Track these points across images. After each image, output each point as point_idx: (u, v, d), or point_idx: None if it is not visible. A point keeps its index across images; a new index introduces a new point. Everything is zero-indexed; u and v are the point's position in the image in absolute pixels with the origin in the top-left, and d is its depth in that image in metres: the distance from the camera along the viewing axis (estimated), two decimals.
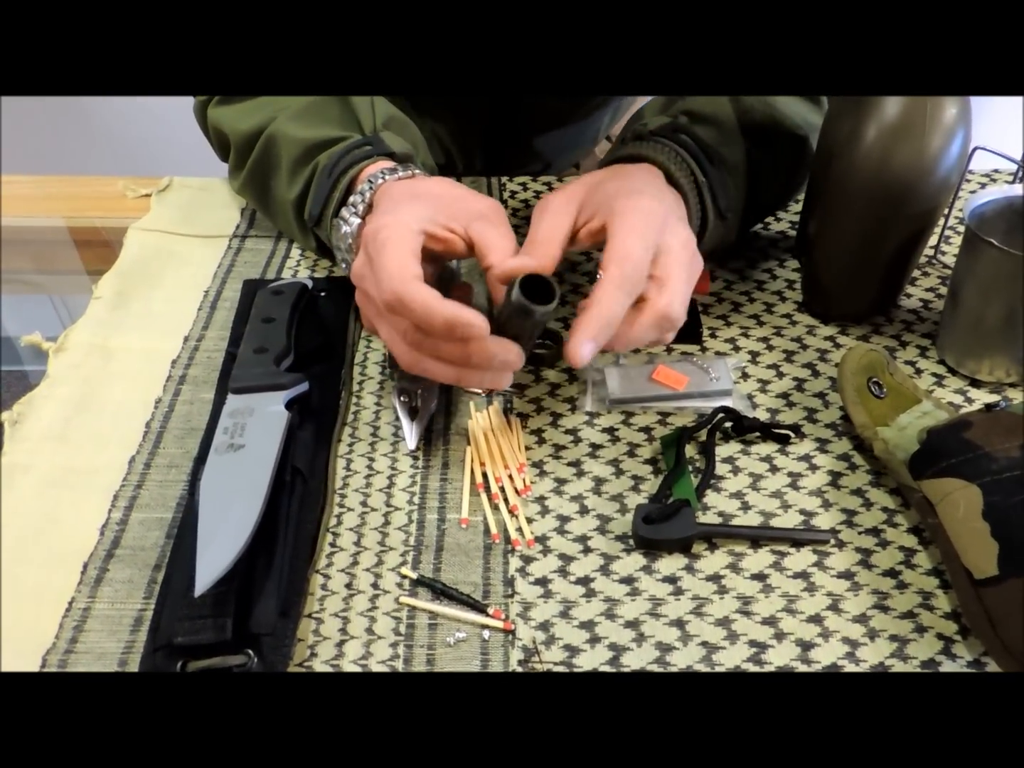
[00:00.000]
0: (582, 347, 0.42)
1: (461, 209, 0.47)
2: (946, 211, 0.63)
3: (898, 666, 0.40)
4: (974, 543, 0.39)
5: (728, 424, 0.50)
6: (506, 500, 0.47)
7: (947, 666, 0.40)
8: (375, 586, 0.43)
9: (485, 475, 0.48)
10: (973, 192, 0.56)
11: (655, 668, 0.40)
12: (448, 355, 0.43)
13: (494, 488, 0.47)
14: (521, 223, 0.67)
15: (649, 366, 0.53)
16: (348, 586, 0.43)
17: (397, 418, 0.51)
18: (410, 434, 0.50)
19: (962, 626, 0.41)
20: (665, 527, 0.44)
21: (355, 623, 0.41)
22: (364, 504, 0.47)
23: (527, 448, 0.50)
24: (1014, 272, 0.48)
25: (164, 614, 0.38)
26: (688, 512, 0.45)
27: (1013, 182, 0.56)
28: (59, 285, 0.84)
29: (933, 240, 0.63)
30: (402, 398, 0.51)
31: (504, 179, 0.72)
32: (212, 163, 0.66)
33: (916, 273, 0.61)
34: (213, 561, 0.36)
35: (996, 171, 0.72)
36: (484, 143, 0.80)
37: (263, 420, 0.45)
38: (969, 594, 0.40)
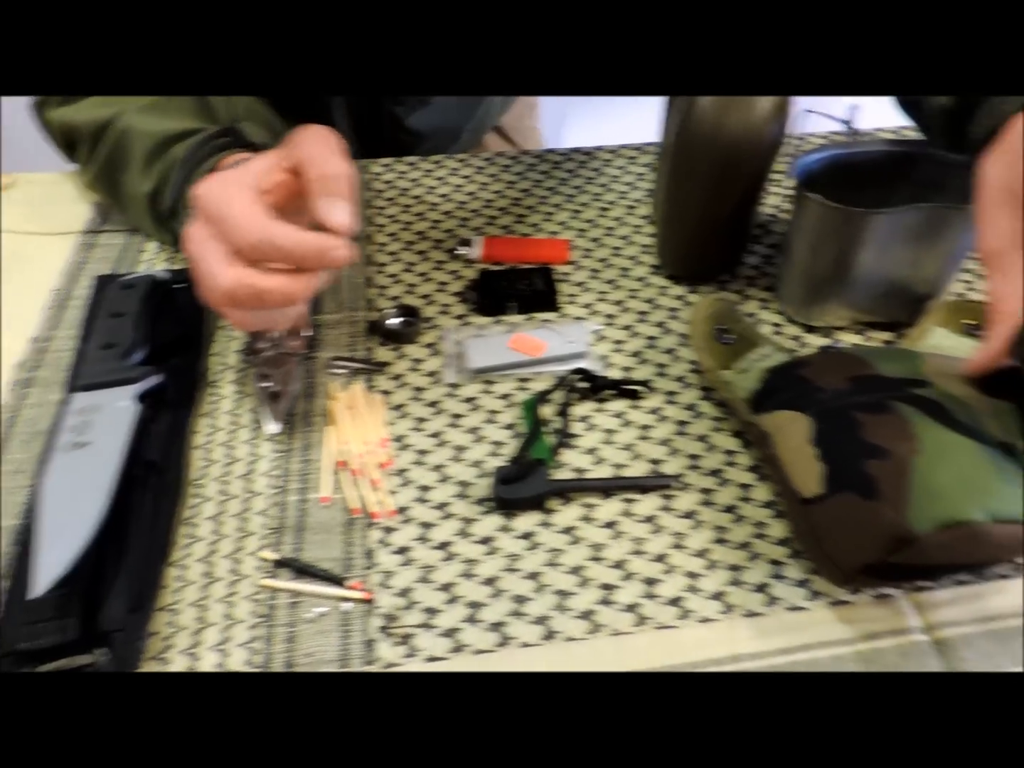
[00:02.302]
0: None
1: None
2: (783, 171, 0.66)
3: (734, 592, 0.43)
4: (804, 467, 0.42)
5: (583, 384, 0.53)
6: (367, 475, 0.48)
7: (777, 588, 0.43)
8: (234, 572, 0.43)
9: (346, 453, 0.49)
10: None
11: (511, 620, 0.42)
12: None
13: (355, 464, 0.48)
14: (385, 204, 0.68)
15: (507, 335, 0.55)
16: (206, 575, 0.43)
17: (259, 404, 0.51)
18: (271, 418, 0.50)
19: (792, 550, 0.45)
20: (520, 487, 0.46)
21: (213, 610, 0.42)
22: (223, 492, 0.47)
23: (390, 424, 0.51)
24: (838, 224, 0.52)
25: (7, 621, 0.38)
26: (542, 471, 0.47)
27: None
28: None
29: (778, 200, 0.67)
30: (262, 384, 0.51)
31: (365, 161, 0.72)
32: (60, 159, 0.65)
33: (760, 231, 0.65)
34: (53, 562, 0.36)
35: (836, 133, 0.76)
36: (354, 124, 0.80)
37: (110, 416, 0.44)
38: (799, 515, 0.43)
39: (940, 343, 0.51)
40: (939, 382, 0.42)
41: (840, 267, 0.53)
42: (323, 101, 0.76)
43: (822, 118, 0.61)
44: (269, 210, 0.42)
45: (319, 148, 0.43)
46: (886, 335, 0.56)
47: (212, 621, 0.41)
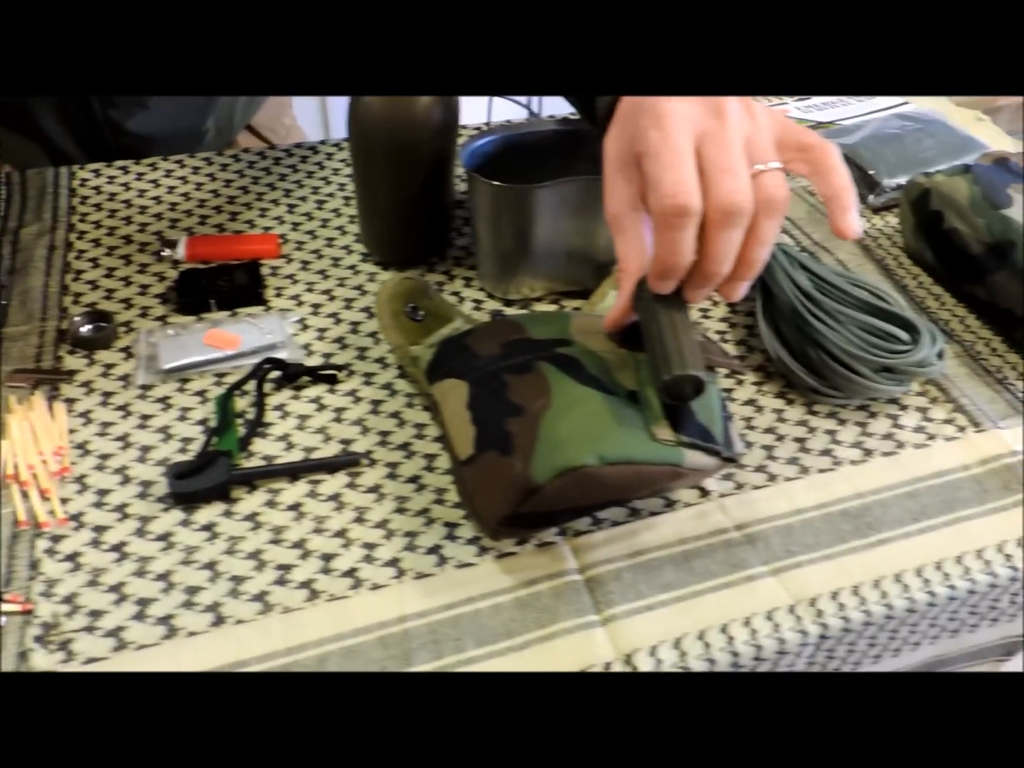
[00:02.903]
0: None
1: None
2: None
3: (407, 557, 0.45)
4: (461, 430, 0.44)
5: (276, 374, 0.53)
6: (37, 486, 0.46)
7: (449, 548, 0.45)
8: None
9: (17, 465, 0.47)
10: None
11: (181, 611, 0.42)
12: None
13: (24, 476, 0.46)
14: (90, 210, 0.65)
15: (201, 332, 0.55)
16: None
17: None
18: None
19: (465, 512, 0.47)
20: (197, 479, 0.46)
21: None
22: None
23: (73, 431, 0.50)
24: (506, 201, 0.55)
25: None
26: (223, 461, 0.47)
27: None
28: None
29: None
30: None
31: (75, 167, 0.69)
32: None
33: (467, 212, 0.67)
34: None
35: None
36: (72, 131, 0.77)
37: None
38: (458, 476, 0.45)
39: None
40: (582, 340, 0.46)
41: (520, 241, 0.56)
42: (28, 108, 0.73)
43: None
44: None
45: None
46: (578, 302, 0.61)
47: None
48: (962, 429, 0.53)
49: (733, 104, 0.40)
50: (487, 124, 0.72)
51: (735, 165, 0.39)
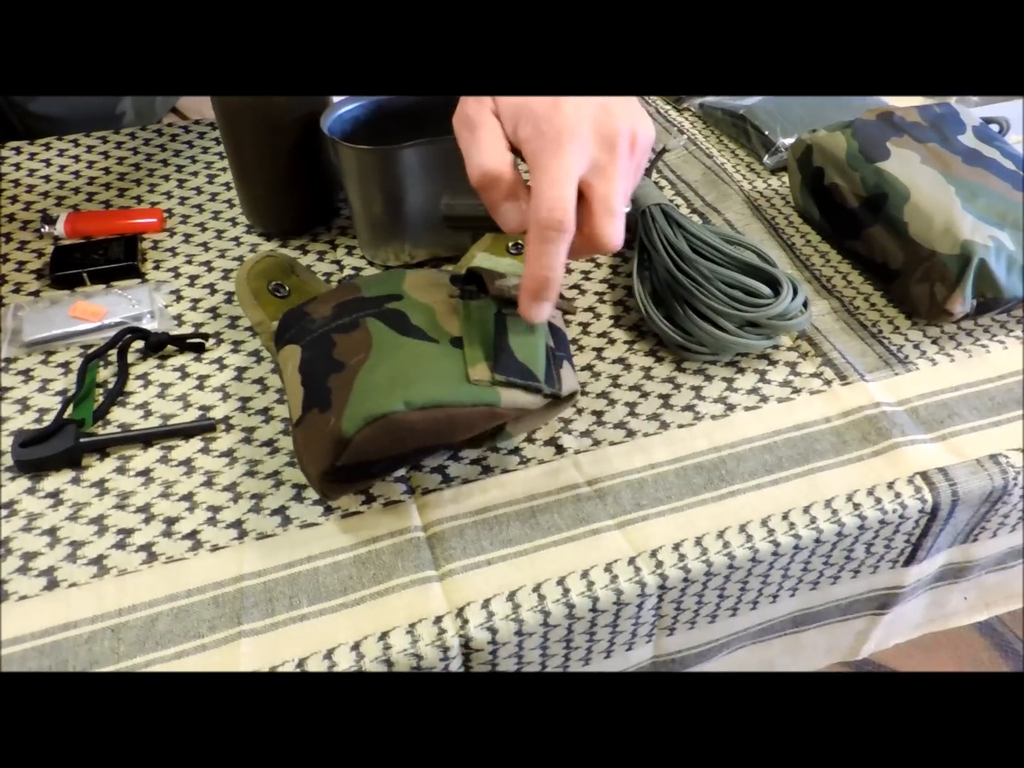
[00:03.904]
0: None
1: None
2: None
3: (251, 519, 0.45)
4: (293, 394, 0.44)
5: (137, 343, 0.53)
6: None
7: (294, 509, 0.45)
8: None
9: None
10: None
11: (17, 577, 0.42)
12: None
13: None
14: (7, 185, 0.65)
15: (67, 304, 0.55)
16: None
17: None
18: None
19: None
20: (42, 447, 0.46)
21: None
22: None
23: None
24: (370, 165, 0.54)
25: None
26: (71, 429, 0.47)
27: None
28: None
29: None
30: None
31: None
32: None
33: None
34: None
35: None
36: None
37: None
38: (293, 439, 0.45)
39: (481, 264, 0.55)
40: (413, 294, 0.45)
41: (389, 206, 0.56)
42: None
43: None
44: None
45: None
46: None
47: None
48: (828, 383, 0.52)
49: (624, 132, 0.41)
50: None
51: (616, 206, 0.40)
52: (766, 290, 0.51)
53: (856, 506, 0.45)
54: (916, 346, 0.55)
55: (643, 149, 0.42)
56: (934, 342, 0.55)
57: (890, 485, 0.47)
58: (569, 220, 0.39)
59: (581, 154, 0.40)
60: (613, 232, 0.40)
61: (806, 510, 0.45)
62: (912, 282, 0.55)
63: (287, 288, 0.53)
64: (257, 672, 0.38)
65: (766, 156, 0.69)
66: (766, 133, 0.68)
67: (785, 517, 0.45)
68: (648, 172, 0.62)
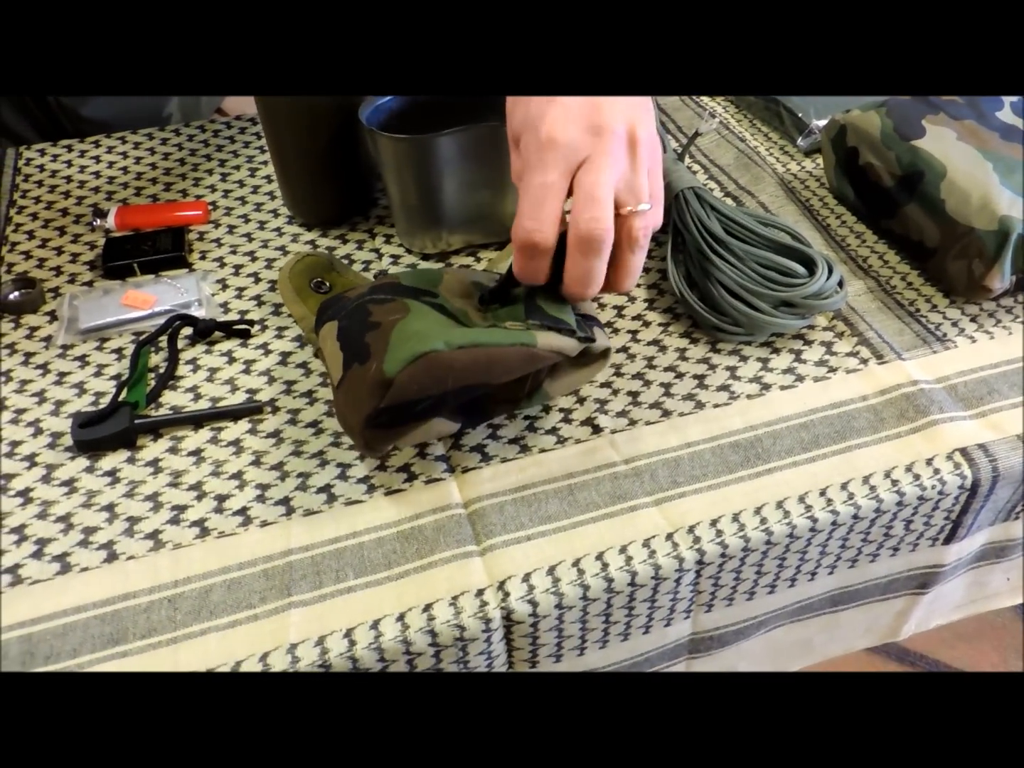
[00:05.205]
0: None
1: None
2: None
3: (298, 496, 0.46)
4: (333, 361, 0.45)
5: (187, 329, 0.55)
6: None
7: (339, 487, 0.47)
8: None
9: None
10: None
11: (79, 550, 0.44)
12: None
13: None
14: (32, 187, 0.68)
15: (119, 293, 0.57)
16: None
17: None
18: None
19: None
20: (100, 427, 0.48)
21: None
22: None
23: None
24: (407, 154, 0.56)
25: None
26: (126, 410, 0.49)
27: None
28: None
29: None
30: None
31: (21, 148, 0.72)
32: None
33: None
34: None
35: None
36: (31, 122, 0.80)
37: None
38: (335, 405, 0.46)
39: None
40: (447, 296, 0.47)
41: (425, 194, 0.57)
42: None
43: None
44: None
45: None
46: (496, 254, 0.61)
47: None
48: (865, 362, 0.52)
49: (618, 129, 0.41)
50: None
51: (601, 193, 0.40)
52: (801, 270, 0.52)
53: (894, 482, 0.45)
54: (954, 324, 0.55)
55: (646, 146, 0.42)
56: (972, 319, 0.55)
57: (929, 461, 0.47)
58: (543, 240, 0.41)
59: (563, 161, 0.41)
60: (591, 217, 0.40)
61: (844, 486, 0.45)
62: (949, 259, 0.55)
63: (328, 284, 0.55)
64: (221, 672, 0.39)
65: (799, 138, 0.68)
66: (799, 115, 0.68)
67: (823, 493, 0.45)
68: (681, 157, 0.63)
